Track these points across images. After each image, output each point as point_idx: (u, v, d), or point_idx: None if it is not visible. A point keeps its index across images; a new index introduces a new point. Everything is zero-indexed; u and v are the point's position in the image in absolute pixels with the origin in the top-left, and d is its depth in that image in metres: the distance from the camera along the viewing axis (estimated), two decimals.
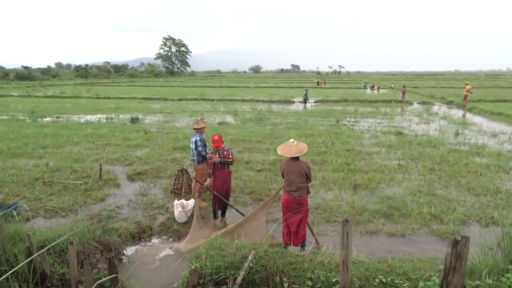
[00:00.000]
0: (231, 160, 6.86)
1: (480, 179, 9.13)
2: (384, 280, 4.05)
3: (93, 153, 12.04)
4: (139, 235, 6.49)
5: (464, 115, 22.86)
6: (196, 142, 7.71)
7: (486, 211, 7.21)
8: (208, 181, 6.84)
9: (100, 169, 9.34)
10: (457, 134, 15.22)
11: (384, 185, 8.84)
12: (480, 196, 8.02)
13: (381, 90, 44.55)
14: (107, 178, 9.31)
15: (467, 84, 29.25)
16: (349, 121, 19.32)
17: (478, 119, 20.72)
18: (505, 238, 4.10)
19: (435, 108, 26.82)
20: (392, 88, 47.40)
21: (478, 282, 3.74)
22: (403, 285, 3.94)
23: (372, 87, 46.46)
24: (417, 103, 29.99)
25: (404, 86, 34.45)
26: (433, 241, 6.15)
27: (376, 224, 6.77)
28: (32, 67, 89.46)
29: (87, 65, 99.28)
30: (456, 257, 3.57)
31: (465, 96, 27.84)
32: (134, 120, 18.75)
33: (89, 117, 21.09)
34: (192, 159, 7.99)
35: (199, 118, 8.51)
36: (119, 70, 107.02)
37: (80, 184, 8.78)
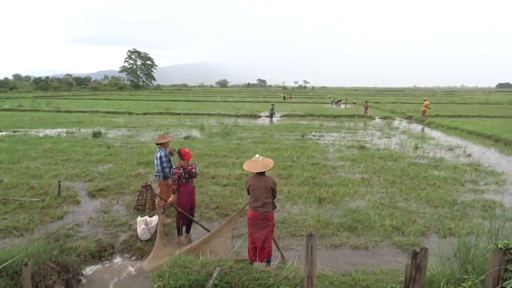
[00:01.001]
0: (195, 171, 6.78)
1: (438, 192, 9.50)
2: None
3: (52, 168, 11.55)
4: (100, 254, 6.23)
5: (422, 130, 23.83)
6: (161, 157, 7.59)
7: (444, 222, 7.48)
8: (172, 198, 6.71)
9: (59, 185, 8.96)
10: (416, 148, 15.81)
11: (348, 198, 9.01)
12: (438, 208, 8.33)
13: (343, 105, 45.77)
14: (66, 194, 8.94)
15: (425, 100, 30.62)
16: (314, 135, 19.66)
17: (435, 134, 21.66)
18: (460, 249, 4.26)
19: (396, 122, 27.82)
20: (355, 103, 48.83)
21: None
22: None
23: (337, 102, 47.66)
24: (379, 118, 31.00)
25: (366, 101, 35.57)
26: (395, 253, 6.30)
27: (340, 237, 6.86)
28: None
29: (47, 77, 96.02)
30: (416, 269, 3.67)
31: (424, 112, 29.10)
32: (96, 135, 18.21)
33: (48, 131, 20.30)
34: (156, 175, 7.84)
35: (162, 133, 8.40)
36: (81, 82, 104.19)
37: (37, 201, 8.37)
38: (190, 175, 6.74)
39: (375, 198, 8.95)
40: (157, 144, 7.82)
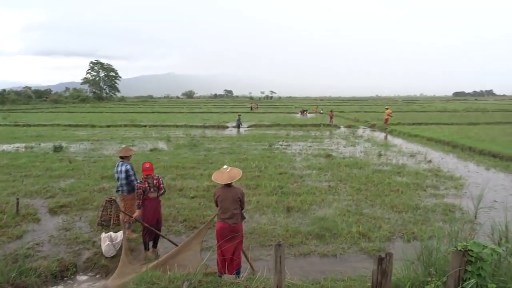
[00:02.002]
0: (163, 190, 6.70)
1: (402, 197, 9.80)
2: None
3: (10, 185, 11.00)
4: (62, 274, 5.97)
5: (385, 137, 24.59)
6: (127, 171, 7.44)
7: (408, 227, 7.72)
8: (137, 213, 6.53)
9: (17, 203, 8.54)
10: (380, 155, 16.28)
11: (316, 207, 9.12)
12: (402, 213, 8.59)
13: (309, 115, 46.52)
14: (26, 212, 8.53)
15: (387, 109, 31.69)
16: (282, 145, 19.83)
17: (397, 141, 22.41)
18: (423, 252, 4.40)
19: (360, 131, 28.57)
20: (321, 113, 49.74)
21: None
22: None
23: (303, 112, 48.39)
24: (344, 127, 31.73)
25: (331, 110, 36.37)
26: (362, 259, 6.42)
27: (309, 245, 6.92)
28: None
29: (4, 90, 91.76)
30: (381, 274, 3.76)
31: (386, 120, 30.08)
32: (57, 149, 17.54)
33: (5, 147, 19.34)
34: (118, 190, 7.62)
35: (124, 146, 8.24)
36: (41, 95, 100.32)
37: None
38: (158, 193, 6.63)
39: (342, 206, 9.12)
40: (120, 157, 7.64)
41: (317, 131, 27.81)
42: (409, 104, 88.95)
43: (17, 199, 8.71)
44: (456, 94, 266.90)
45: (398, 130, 26.89)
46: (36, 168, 13.55)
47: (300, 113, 48.62)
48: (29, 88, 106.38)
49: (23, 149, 18.33)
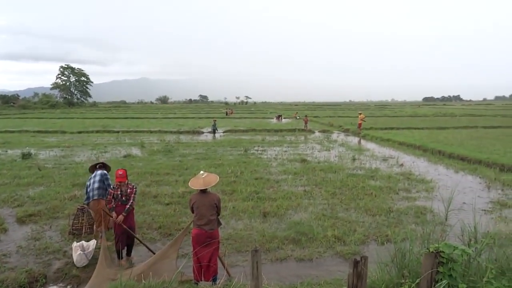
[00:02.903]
0: (129, 206, 6.40)
1: (375, 201, 9.99)
2: None
3: None
4: (31, 285, 5.74)
5: (359, 142, 25.05)
6: (107, 177, 7.40)
7: (382, 229, 7.86)
8: (121, 216, 6.32)
9: None
10: (354, 159, 16.56)
11: (292, 211, 9.17)
12: (376, 216, 8.75)
13: (284, 120, 46.84)
14: None
15: (360, 114, 32.32)
16: (257, 150, 19.86)
17: (371, 145, 22.87)
18: (397, 254, 4.49)
19: (334, 135, 28.99)
20: (298, 118, 50.15)
21: None
22: None
23: (278, 117, 48.65)
24: (318, 132, 32.12)
25: (306, 116, 36.75)
26: (337, 262, 6.49)
27: (285, 250, 6.94)
28: None
29: None
30: (357, 277, 3.80)
31: (359, 125, 30.66)
32: (25, 156, 16.93)
33: None
34: (85, 202, 7.51)
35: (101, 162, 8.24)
36: (8, 101, 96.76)
37: None
38: (127, 199, 6.46)
39: (318, 210, 9.20)
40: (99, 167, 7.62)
41: (292, 136, 28.04)
42: (381, 109, 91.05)
43: None
44: (426, 99, 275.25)
45: (371, 134, 27.45)
46: (3, 176, 13.04)
47: (275, 118, 48.87)
48: None
49: None
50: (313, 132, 31.48)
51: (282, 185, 11.81)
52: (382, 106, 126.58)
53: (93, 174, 7.69)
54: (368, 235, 7.58)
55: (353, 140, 26.20)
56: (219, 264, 5.68)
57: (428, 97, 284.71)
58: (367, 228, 7.99)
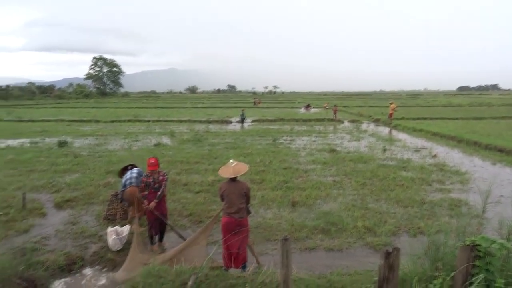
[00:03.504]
0: (160, 193, 6.51)
1: (407, 192, 9.77)
2: None
3: (16, 180, 11.06)
4: (69, 267, 6.01)
5: (390, 132, 24.49)
6: (140, 171, 7.72)
7: (414, 221, 7.69)
8: (153, 203, 6.49)
9: (24, 197, 8.58)
10: (384, 150, 16.22)
11: (321, 201, 9.12)
12: (407, 208, 8.56)
13: (312, 110, 46.34)
14: (32, 207, 8.59)
15: (391, 103, 31.51)
16: (286, 140, 19.80)
17: (402, 136, 22.31)
18: (430, 247, 4.38)
19: (364, 126, 28.45)
20: (326, 108, 49.52)
21: None
22: None
23: (307, 107, 48.18)
24: (348, 122, 31.60)
25: (335, 105, 36.23)
26: (368, 253, 6.42)
27: (314, 240, 6.92)
28: None
29: (8, 86, 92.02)
30: (388, 268, 3.74)
31: (390, 114, 29.92)
32: (62, 144, 17.59)
33: (10, 142, 19.42)
34: (123, 186, 7.71)
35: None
36: (44, 91, 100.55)
37: (0, 215, 7.99)
38: (159, 186, 6.58)
39: (347, 200, 9.10)
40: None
41: (321, 126, 27.73)
42: (414, 98, 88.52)
43: (24, 193, 8.75)
44: (461, 88, 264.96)
45: (403, 124, 26.75)
46: (41, 163, 13.61)
47: (304, 108, 48.42)
48: (33, 84, 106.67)
49: (28, 145, 18.39)
50: (342, 122, 31.03)
51: (311, 175, 11.75)
52: (414, 95, 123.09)
53: (129, 171, 7.82)
54: (400, 227, 7.44)
55: (384, 130, 25.64)
56: (249, 252, 5.74)
57: (463, 87, 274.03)
58: (398, 219, 7.84)
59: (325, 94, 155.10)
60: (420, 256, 4.56)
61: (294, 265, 4.81)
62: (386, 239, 6.82)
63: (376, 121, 31.72)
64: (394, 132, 24.42)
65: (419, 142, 19.44)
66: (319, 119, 32.08)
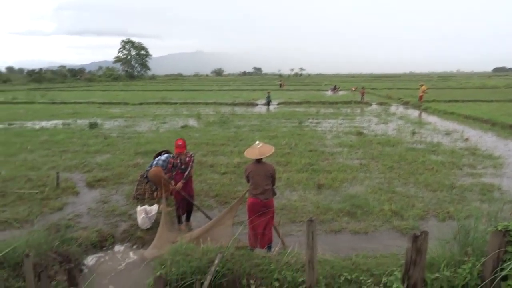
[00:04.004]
0: (187, 173, 6.62)
1: (436, 176, 9.54)
2: (349, 277, 4.13)
3: (50, 160, 11.51)
4: (101, 244, 6.25)
5: (419, 115, 23.85)
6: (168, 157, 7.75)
7: (443, 206, 7.53)
8: (180, 184, 6.62)
9: (57, 177, 8.94)
10: (413, 133, 15.83)
11: (347, 184, 9.04)
12: (436, 192, 8.37)
13: (340, 92, 45.58)
14: (65, 186, 8.93)
15: (422, 85, 30.54)
16: (312, 122, 19.63)
17: (432, 119, 21.68)
18: (460, 232, 4.29)
19: (393, 108, 27.81)
20: (353, 90, 48.56)
21: (437, 275, 3.89)
22: (367, 281, 4.03)
23: (334, 89, 47.42)
24: (376, 104, 30.97)
25: (363, 87, 35.49)
26: (394, 237, 6.35)
27: (340, 222, 6.90)
28: None
29: (41, 69, 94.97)
30: (416, 252, 3.70)
31: (421, 97, 29.06)
32: (92, 125, 18.10)
33: (44, 123, 20.15)
34: (150, 166, 7.88)
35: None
36: (75, 74, 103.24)
37: (36, 193, 8.37)
38: (186, 167, 6.67)
39: (374, 184, 8.99)
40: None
41: (348, 108, 27.31)
42: (445, 80, 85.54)
43: (57, 173, 9.10)
44: (496, 69, 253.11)
45: (433, 107, 25.97)
46: (73, 144, 14.08)
47: (330, 90, 47.66)
48: (64, 67, 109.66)
49: (61, 126, 19.03)
50: (370, 105, 30.43)
51: (337, 157, 11.64)
52: (446, 77, 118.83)
53: (160, 156, 8.05)
54: (428, 211, 7.30)
55: (413, 113, 24.99)
56: (274, 233, 5.79)
57: (499, 68, 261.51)
58: (426, 203, 7.69)
59: (352, 76, 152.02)
60: (449, 240, 4.48)
61: (319, 247, 4.81)
62: (414, 223, 6.71)
63: (405, 104, 30.93)
64: (424, 115, 23.77)
65: (450, 125, 18.86)
66: (346, 102, 31.57)
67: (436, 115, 23.50)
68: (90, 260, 5.83)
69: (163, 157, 7.85)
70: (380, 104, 31.05)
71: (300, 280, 4.13)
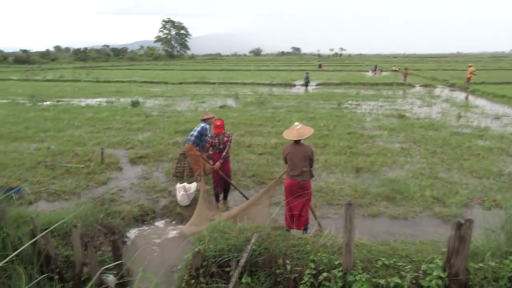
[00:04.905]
0: (225, 154, 6.67)
1: (483, 162, 9.10)
2: (386, 262, 4.06)
3: (95, 136, 12.02)
4: (142, 218, 6.52)
5: (466, 98, 22.70)
6: (206, 132, 7.87)
7: (489, 194, 7.20)
8: (218, 163, 6.68)
9: (102, 152, 9.33)
10: (459, 117, 15.12)
11: (387, 168, 8.83)
12: (482, 179, 8.00)
13: (383, 73, 44.11)
14: (109, 161, 9.31)
15: (470, 66, 28.92)
16: (351, 104, 19.21)
17: (480, 102, 20.58)
18: (508, 221, 4.09)
19: (437, 90, 26.63)
20: (395, 71, 46.82)
21: (481, 265, 3.75)
22: (406, 267, 3.95)
23: (374, 70, 45.99)
24: (419, 86, 29.76)
25: (406, 68, 34.14)
26: (435, 224, 6.17)
27: (378, 207, 6.78)
28: (31, 51, 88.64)
29: (86, 48, 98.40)
30: (459, 240, 3.58)
31: (468, 79, 27.57)
32: (134, 104, 18.66)
33: (89, 101, 21.00)
34: (185, 141, 8.05)
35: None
36: (118, 53, 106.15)
37: (82, 167, 8.79)
38: (224, 147, 6.73)
39: (415, 168, 8.72)
40: (202, 120, 8.14)
41: (389, 90, 26.41)
42: (496, 61, 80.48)
43: (102, 149, 9.50)
44: None
45: (482, 90, 24.58)
46: (116, 121, 14.59)
47: (371, 71, 46.23)
48: (108, 46, 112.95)
49: (105, 104, 19.76)
50: (413, 87, 29.28)
51: (377, 141, 11.36)
52: (497, 57, 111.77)
53: (198, 125, 8.22)
54: (472, 199, 7.01)
55: (460, 95, 23.81)
56: (310, 215, 5.78)
57: None
58: (471, 191, 7.38)
59: (395, 56, 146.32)
60: (495, 230, 4.29)
61: (357, 230, 4.75)
62: (457, 211, 6.48)
63: (452, 86, 29.50)
64: (472, 98, 22.60)
65: (500, 108, 17.83)
66: (388, 83, 30.55)
67: (485, 98, 22.28)
68: (132, 233, 6.09)
69: (196, 131, 7.94)
70: (424, 86, 29.80)
71: (336, 262, 4.11)
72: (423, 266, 3.88)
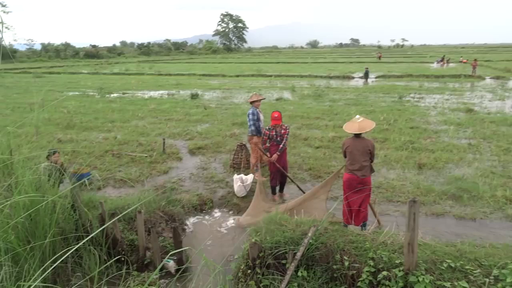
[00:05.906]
0: (282, 146, 6.64)
1: None
2: (452, 265, 3.84)
3: (157, 127, 12.55)
4: (201, 207, 6.73)
5: None
6: (248, 115, 7.86)
7: None
8: (275, 155, 6.65)
9: (164, 143, 9.72)
10: None
11: (452, 165, 8.32)
12: None
13: (450, 65, 41.51)
14: (170, 151, 9.68)
15: None
16: (413, 97, 18.31)
17: None
18: None
19: (511, 83, 24.58)
20: (463, 62, 43.84)
21: None
22: (475, 272, 3.71)
23: (441, 61, 43.36)
24: (490, 78, 27.65)
25: (475, 59, 31.85)
26: (508, 226, 5.72)
27: (443, 206, 6.42)
28: (99, 46, 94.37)
29: (149, 43, 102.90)
30: None
31: None
32: (194, 96, 19.23)
33: (152, 93, 21.97)
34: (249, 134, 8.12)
35: (254, 93, 8.70)
36: (179, 47, 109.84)
37: (146, 156, 9.22)
38: (281, 139, 6.69)
39: (485, 166, 8.13)
40: (250, 102, 8.02)
41: (456, 82, 24.82)
42: None
43: (163, 139, 9.90)
44: None
45: None
46: (177, 113, 15.12)
47: (436, 62, 43.65)
48: (169, 40, 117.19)
49: (166, 96, 20.58)
50: (483, 79, 27.27)
51: (442, 136, 10.74)
52: None
53: (247, 113, 8.24)
54: None
55: None
56: (369, 211, 5.61)
57: None
58: None
59: (462, 47, 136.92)
60: None
61: (419, 229, 4.55)
62: None
63: None
64: None
65: None
66: (454, 75, 28.70)
67: None
68: (192, 221, 6.31)
69: (250, 122, 7.84)
70: (496, 78, 27.63)
71: (397, 262, 3.95)
72: (495, 271, 3.62)
